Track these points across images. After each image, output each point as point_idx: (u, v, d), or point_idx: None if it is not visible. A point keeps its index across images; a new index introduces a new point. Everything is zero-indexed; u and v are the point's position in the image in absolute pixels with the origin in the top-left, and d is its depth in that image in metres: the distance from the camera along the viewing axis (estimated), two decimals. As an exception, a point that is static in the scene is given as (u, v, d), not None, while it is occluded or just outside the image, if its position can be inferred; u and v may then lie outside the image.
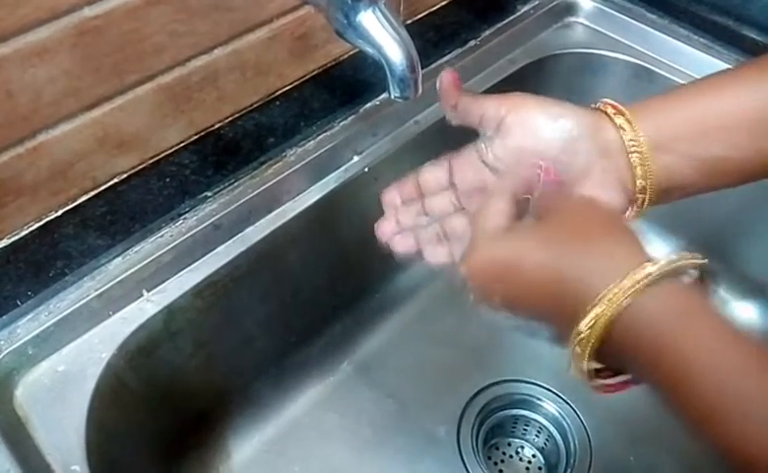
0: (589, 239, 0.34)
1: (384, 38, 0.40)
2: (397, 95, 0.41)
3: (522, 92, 0.42)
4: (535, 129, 0.39)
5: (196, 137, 0.54)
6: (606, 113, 0.40)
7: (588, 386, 0.33)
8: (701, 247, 0.34)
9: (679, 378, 0.29)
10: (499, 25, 0.66)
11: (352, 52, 0.61)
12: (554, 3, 0.69)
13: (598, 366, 0.32)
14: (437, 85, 0.41)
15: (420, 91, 0.42)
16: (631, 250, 0.33)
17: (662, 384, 0.31)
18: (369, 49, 0.41)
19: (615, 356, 0.32)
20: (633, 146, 0.38)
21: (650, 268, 0.31)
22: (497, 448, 0.61)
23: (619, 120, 0.39)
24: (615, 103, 0.40)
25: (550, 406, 0.61)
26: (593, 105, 0.41)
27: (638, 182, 0.39)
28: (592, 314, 0.31)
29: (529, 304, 0.35)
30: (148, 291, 0.48)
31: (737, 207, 0.64)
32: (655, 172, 0.38)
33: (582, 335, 0.31)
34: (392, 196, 0.44)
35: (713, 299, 0.34)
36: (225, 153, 0.54)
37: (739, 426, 0.28)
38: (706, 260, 0.33)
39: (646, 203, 0.40)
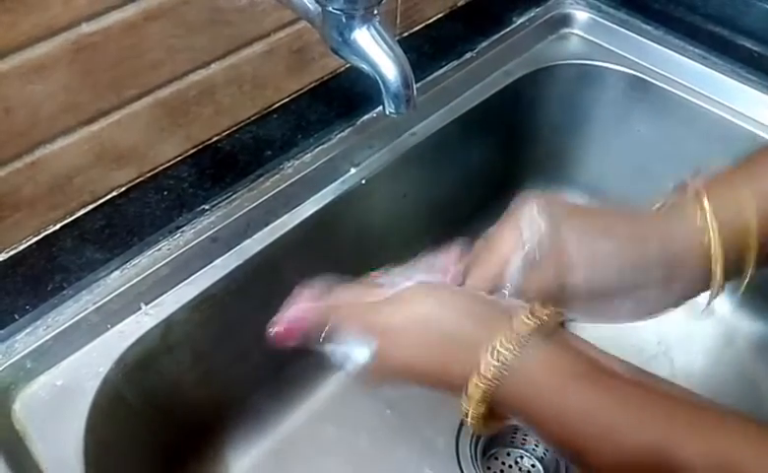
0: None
1: (378, 55, 0.40)
2: (392, 110, 0.41)
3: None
4: None
5: (194, 150, 0.55)
6: None
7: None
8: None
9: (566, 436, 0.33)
10: (495, 36, 0.66)
11: (348, 65, 0.61)
12: (550, 14, 0.70)
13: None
14: None
15: (415, 106, 0.42)
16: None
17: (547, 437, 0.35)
18: (364, 66, 0.41)
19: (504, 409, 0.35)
20: None
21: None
22: (496, 459, 0.61)
23: None
24: None
25: (549, 416, 0.61)
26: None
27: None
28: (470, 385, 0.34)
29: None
30: (146, 304, 0.48)
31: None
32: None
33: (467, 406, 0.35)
34: None
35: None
36: (223, 166, 0.54)
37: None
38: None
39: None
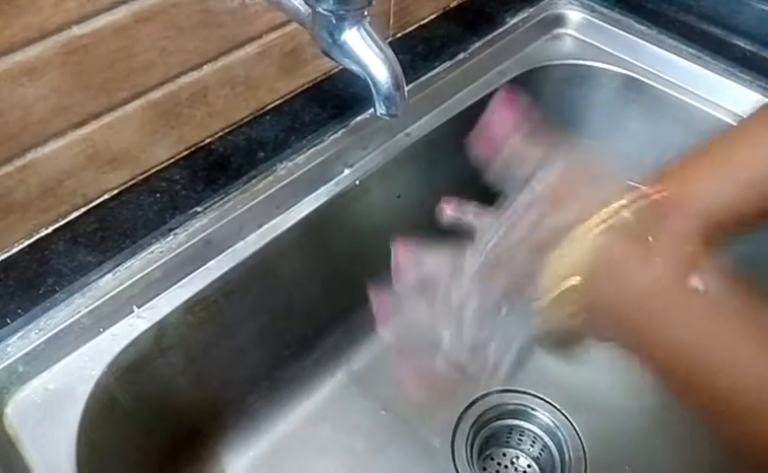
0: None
1: (369, 57, 0.40)
2: (383, 112, 0.41)
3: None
4: None
5: (186, 152, 0.54)
6: None
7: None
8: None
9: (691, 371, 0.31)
10: (488, 37, 0.66)
11: (341, 66, 0.61)
12: (543, 15, 0.70)
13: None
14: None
15: (406, 107, 0.42)
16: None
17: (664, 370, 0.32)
18: (355, 68, 0.41)
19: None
20: None
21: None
22: (492, 459, 0.61)
23: None
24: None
25: (545, 416, 0.61)
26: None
27: None
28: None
29: None
30: (138, 307, 0.48)
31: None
32: None
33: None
34: None
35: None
36: (216, 168, 0.54)
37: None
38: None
39: None
